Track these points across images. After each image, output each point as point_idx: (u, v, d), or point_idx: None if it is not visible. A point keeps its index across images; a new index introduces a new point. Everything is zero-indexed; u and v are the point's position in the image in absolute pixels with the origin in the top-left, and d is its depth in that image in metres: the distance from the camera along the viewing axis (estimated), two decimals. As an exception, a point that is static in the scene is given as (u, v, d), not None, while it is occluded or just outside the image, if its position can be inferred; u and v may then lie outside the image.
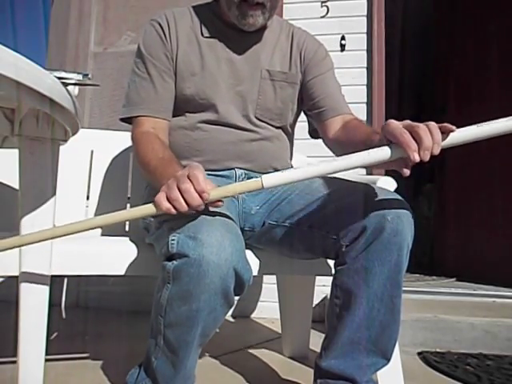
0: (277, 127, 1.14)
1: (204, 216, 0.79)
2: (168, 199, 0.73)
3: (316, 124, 1.17)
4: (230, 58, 1.09)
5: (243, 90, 1.09)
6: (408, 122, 0.73)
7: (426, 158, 0.69)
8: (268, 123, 1.12)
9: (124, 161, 1.51)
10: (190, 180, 0.72)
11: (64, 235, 0.77)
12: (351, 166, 0.72)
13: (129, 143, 1.49)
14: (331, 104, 1.11)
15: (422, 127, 0.70)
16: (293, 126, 1.22)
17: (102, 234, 1.38)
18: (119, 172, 1.50)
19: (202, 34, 1.10)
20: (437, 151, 0.70)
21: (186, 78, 1.07)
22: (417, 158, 0.69)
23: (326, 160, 0.75)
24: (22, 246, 0.80)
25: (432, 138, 0.69)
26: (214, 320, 0.80)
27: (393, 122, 0.73)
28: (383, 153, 0.71)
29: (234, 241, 0.77)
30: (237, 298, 0.81)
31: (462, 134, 0.71)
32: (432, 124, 0.71)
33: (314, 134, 1.22)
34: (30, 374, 0.85)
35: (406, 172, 0.73)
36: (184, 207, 0.72)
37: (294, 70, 1.14)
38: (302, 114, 1.23)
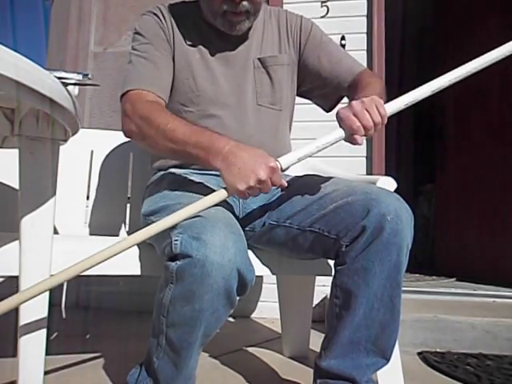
0: (278, 110, 1.15)
1: (207, 217, 0.79)
2: (246, 187, 0.80)
3: (338, 94, 1.19)
4: (222, 57, 1.11)
5: (240, 84, 1.11)
6: (354, 106, 0.85)
7: (368, 133, 0.85)
8: (269, 108, 1.14)
9: (124, 161, 1.51)
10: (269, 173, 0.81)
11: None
12: (329, 143, 0.88)
13: (129, 143, 1.50)
14: (343, 69, 1.14)
15: (358, 111, 0.83)
16: (292, 108, 1.24)
17: (102, 234, 1.38)
18: (119, 172, 1.50)
19: (194, 33, 1.11)
20: (378, 127, 0.85)
21: (183, 69, 1.08)
22: (360, 134, 0.84)
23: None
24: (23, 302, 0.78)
25: (371, 116, 0.84)
26: (216, 320, 0.80)
27: (340, 112, 0.86)
28: (339, 132, 0.87)
29: (237, 241, 0.77)
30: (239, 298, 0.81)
31: (395, 105, 0.90)
32: (369, 106, 0.84)
33: (331, 107, 1.25)
34: (30, 374, 0.85)
35: (356, 138, 0.85)
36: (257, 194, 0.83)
37: (285, 51, 1.16)
38: (297, 114, 1.24)
